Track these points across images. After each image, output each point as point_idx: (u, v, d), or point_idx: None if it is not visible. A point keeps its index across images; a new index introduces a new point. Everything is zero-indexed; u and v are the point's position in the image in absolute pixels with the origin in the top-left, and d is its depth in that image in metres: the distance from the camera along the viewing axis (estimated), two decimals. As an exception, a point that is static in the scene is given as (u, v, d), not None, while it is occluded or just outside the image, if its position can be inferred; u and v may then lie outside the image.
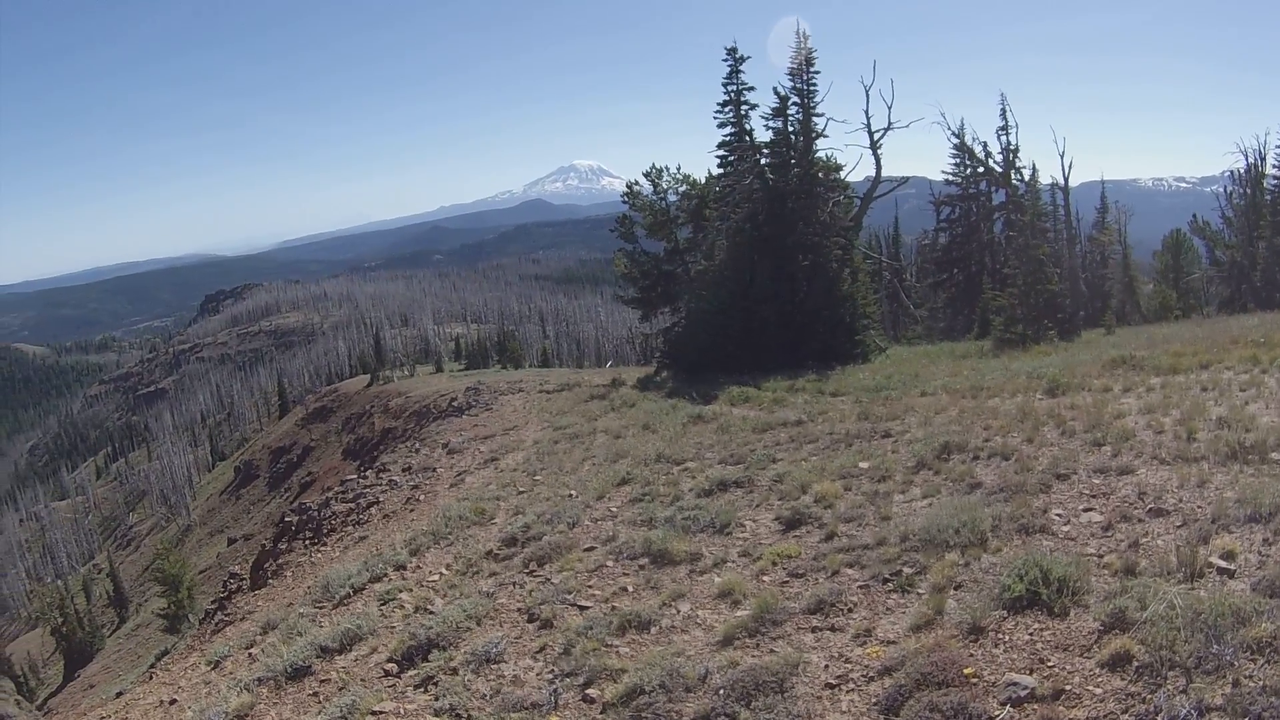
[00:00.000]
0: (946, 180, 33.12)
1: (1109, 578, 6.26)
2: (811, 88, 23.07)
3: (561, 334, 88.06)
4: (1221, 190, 35.22)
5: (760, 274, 21.67)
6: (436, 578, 9.57)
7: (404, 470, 17.09)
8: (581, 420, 17.28)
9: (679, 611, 7.12)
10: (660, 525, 9.12)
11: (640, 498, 10.61)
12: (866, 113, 27.74)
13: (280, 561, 14.67)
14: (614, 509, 10.51)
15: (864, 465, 10.12)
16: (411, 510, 14.06)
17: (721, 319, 21.85)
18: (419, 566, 10.22)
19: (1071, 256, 31.15)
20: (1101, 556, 6.67)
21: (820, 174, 23.24)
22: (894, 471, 9.73)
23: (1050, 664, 5.33)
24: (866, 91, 27.41)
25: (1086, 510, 7.73)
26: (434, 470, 16.26)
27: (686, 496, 10.25)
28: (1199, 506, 7.22)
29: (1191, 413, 10.33)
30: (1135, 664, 5.14)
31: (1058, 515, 7.71)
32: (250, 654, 8.89)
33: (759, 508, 9.46)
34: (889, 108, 28.86)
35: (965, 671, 5.31)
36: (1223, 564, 6.20)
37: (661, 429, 14.77)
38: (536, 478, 13.25)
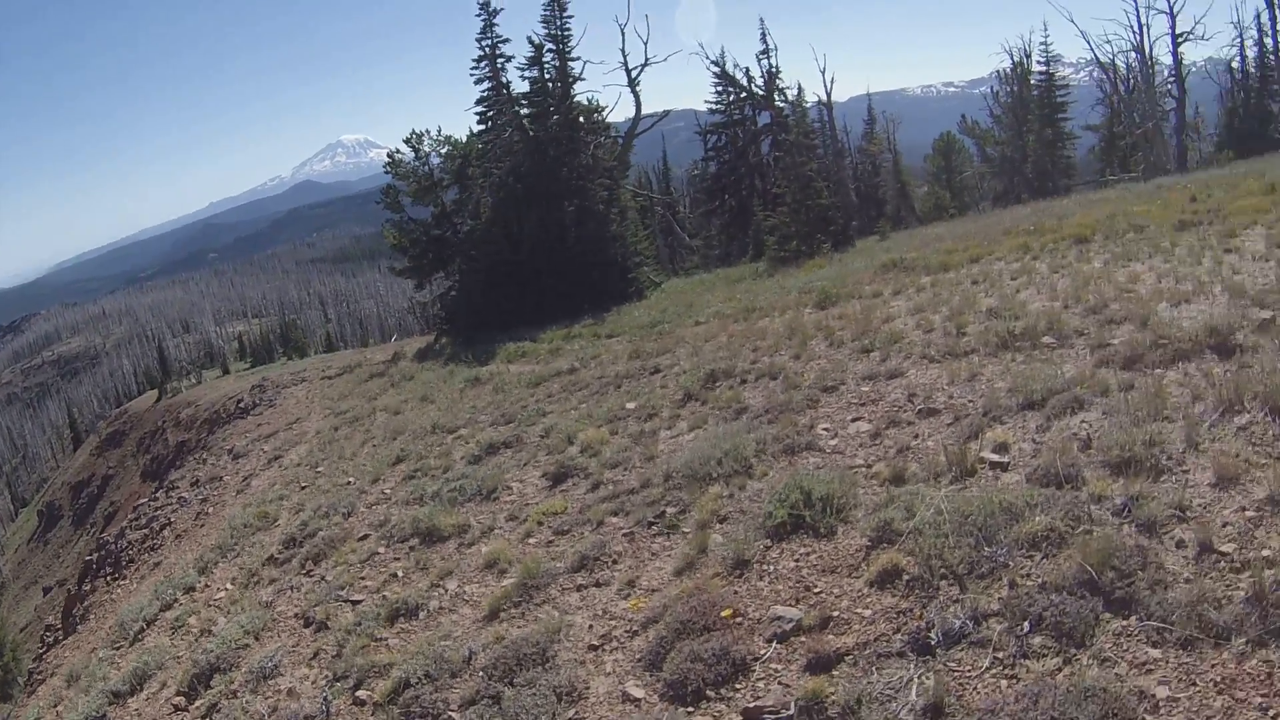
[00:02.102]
0: (711, 110, 45.67)
1: (877, 489, 8.17)
2: (565, 32, 32.46)
3: (344, 315, 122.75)
4: (989, 90, 49.38)
5: (528, 226, 30.44)
6: (222, 594, 12.40)
7: (192, 484, 22.24)
8: (362, 402, 23.36)
9: (447, 591, 9.26)
10: (429, 501, 11.99)
11: (413, 474, 13.89)
12: (623, 51, 38.04)
13: (86, 604, 19.09)
14: (388, 490, 13.78)
15: (631, 406, 13.37)
16: (201, 526, 18.32)
17: (493, 276, 30.77)
18: (207, 586, 13.25)
19: (840, 169, 41.98)
20: (870, 466, 8.74)
21: (581, 118, 32.79)
22: (661, 408, 12.85)
23: (817, 590, 6.88)
24: (622, 30, 37.42)
25: (855, 420, 10.19)
26: (221, 479, 21.65)
27: (457, 465, 13.49)
28: (970, 401, 9.64)
29: (962, 307, 13.63)
30: (906, 578, 6.60)
31: (825, 430, 10.07)
32: (57, 712, 11.48)
33: (527, 466, 12.31)
34: (645, 44, 42.42)
35: (724, 614, 6.95)
36: (995, 458, 8.08)
37: (439, 398, 20.01)
38: (318, 469, 17.63)
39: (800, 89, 44.27)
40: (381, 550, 11.00)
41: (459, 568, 9.64)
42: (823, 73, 46.28)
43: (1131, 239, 15.98)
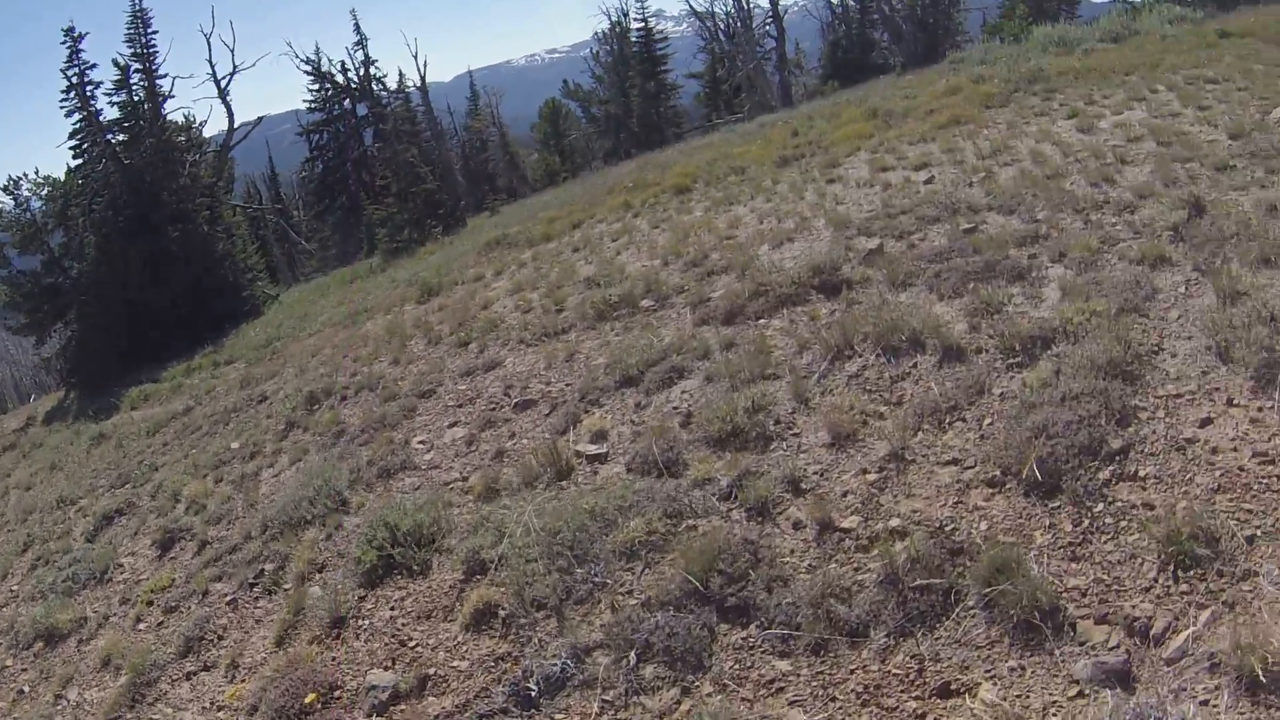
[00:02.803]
0: (310, 108, 47.97)
1: (471, 507, 8.02)
2: (151, 50, 33.21)
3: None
4: (589, 52, 52.92)
5: (134, 260, 30.17)
6: None
7: None
8: (-6, 481, 20.66)
9: (69, 701, 8.48)
10: (49, 593, 10.95)
11: (37, 562, 12.68)
12: (210, 61, 40.55)
13: None
14: (15, 586, 12.35)
15: (235, 445, 12.99)
16: None
17: (109, 319, 30.48)
18: None
19: (443, 151, 44.63)
20: (465, 480, 8.67)
21: (175, 137, 33.87)
22: (264, 443, 12.47)
23: (414, 644, 6.59)
24: (208, 39, 39.44)
25: (451, 426, 10.09)
26: None
27: (76, 544, 12.48)
28: (568, 385, 9.72)
29: (560, 280, 13.60)
30: (501, 615, 6.34)
31: (420, 443, 10.00)
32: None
33: (138, 535, 11.55)
34: (232, 51, 43.70)
35: (308, 699, 6.40)
36: (593, 449, 8.12)
37: (67, 463, 18.52)
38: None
39: (402, 75, 47.25)
40: (10, 662, 9.86)
41: (79, 671, 8.84)
42: (415, 56, 48.63)
43: (733, 182, 16.62)
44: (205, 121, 37.54)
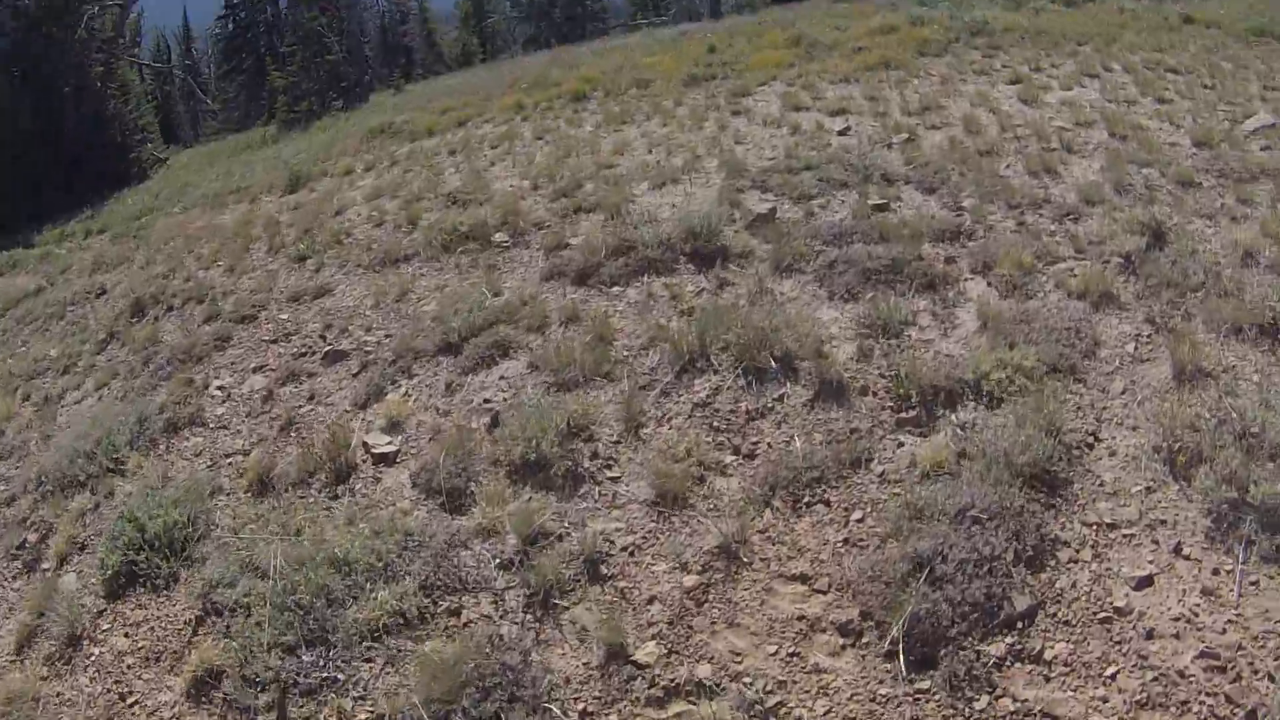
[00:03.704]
0: None
1: (239, 504, 6.70)
2: None
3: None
4: None
5: (22, 114, 27.49)
6: None
7: None
8: None
9: None
10: None
11: None
12: None
13: None
14: None
15: (54, 353, 11.05)
16: None
17: None
18: None
19: (354, 21, 40.44)
20: (246, 454, 7.29)
21: None
22: (80, 355, 10.60)
23: (132, 701, 5.35)
24: None
25: (256, 370, 8.66)
26: None
27: None
28: (387, 337, 8.30)
29: (423, 190, 11.92)
30: (223, 691, 5.07)
31: (218, 389, 8.55)
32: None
33: None
34: None
35: None
36: (383, 444, 6.69)
37: None
38: None
39: None
40: None
41: None
42: None
43: (632, 96, 14.80)
44: None
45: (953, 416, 5.27)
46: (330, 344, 8.45)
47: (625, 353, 6.71)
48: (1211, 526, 4.44)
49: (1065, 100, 11.11)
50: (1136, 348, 5.87)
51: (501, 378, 6.95)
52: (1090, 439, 5.09)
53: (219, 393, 8.41)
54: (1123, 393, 5.43)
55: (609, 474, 5.51)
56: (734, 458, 5.41)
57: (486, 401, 6.74)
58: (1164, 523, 4.52)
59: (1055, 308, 6.32)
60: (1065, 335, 5.84)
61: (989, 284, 6.77)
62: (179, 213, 17.19)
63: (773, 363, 5.99)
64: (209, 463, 7.27)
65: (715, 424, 5.70)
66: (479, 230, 9.66)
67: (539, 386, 6.60)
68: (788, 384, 5.87)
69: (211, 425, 7.89)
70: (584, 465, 5.58)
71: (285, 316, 9.43)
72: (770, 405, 5.75)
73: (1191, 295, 6.41)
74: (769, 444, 5.43)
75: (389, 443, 6.65)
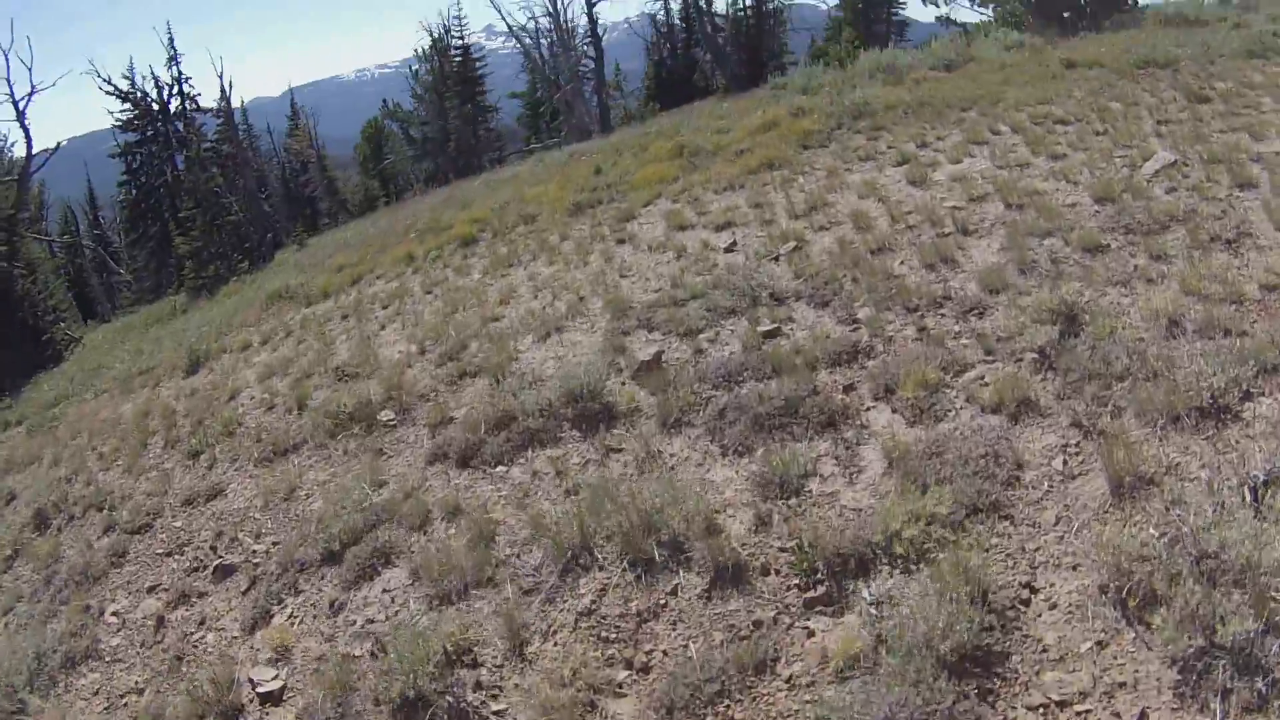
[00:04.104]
0: (118, 128, 43.04)
1: None
2: None
3: None
4: (408, 69, 49.63)
5: None
6: None
7: None
8: None
9: None
10: None
11: None
12: (8, 80, 37.04)
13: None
14: None
15: None
16: None
17: None
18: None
19: (248, 178, 40.80)
20: (140, 693, 6.94)
21: None
22: None
23: None
24: (5, 55, 35.53)
25: (151, 590, 8.30)
26: None
27: None
28: (275, 544, 7.87)
29: (313, 365, 11.50)
30: None
31: (113, 616, 8.08)
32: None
33: None
34: (29, 70, 38.05)
35: None
36: (268, 680, 6.20)
37: None
38: None
39: (226, 91, 41.45)
40: None
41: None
42: (220, 76, 42.19)
43: (520, 234, 14.37)
44: (14, 144, 34.42)
45: (865, 591, 4.56)
46: (220, 556, 8.11)
47: (509, 550, 6.05)
48: (1179, 680, 3.76)
49: (955, 175, 10.68)
50: (1065, 462, 5.26)
51: (384, 591, 6.40)
52: (1025, 592, 4.42)
53: (114, 619, 8.04)
54: (1056, 523, 4.78)
55: (494, 708, 4.81)
56: (627, 673, 4.70)
57: (370, 622, 6.19)
58: (1123, 685, 3.85)
59: (968, 429, 5.70)
60: (982, 464, 5.23)
61: (894, 410, 6.17)
62: (91, 399, 16.80)
63: (660, 552, 5.30)
64: (106, 704, 6.90)
65: (604, 634, 5.00)
66: (364, 411, 9.26)
67: (421, 601, 5.98)
68: (680, 572, 5.17)
69: (107, 659, 7.51)
70: (467, 699, 4.89)
71: (179, 524, 9.10)
72: (663, 601, 5.06)
73: (1117, 385, 5.81)
74: (664, 651, 4.73)
75: (275, 678, 6.19)
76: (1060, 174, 10.06)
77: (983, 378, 6.31)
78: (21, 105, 34.66)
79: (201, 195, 31.25)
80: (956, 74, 16.78)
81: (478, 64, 43.75)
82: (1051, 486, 5.10)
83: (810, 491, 5.52)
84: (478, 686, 4.93)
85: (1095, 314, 6.76)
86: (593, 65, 39.72)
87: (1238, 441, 5.05)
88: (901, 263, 8.55)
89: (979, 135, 12.06)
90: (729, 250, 10.09)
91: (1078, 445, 5.38)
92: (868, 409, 6.29)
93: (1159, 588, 4.14)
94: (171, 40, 40.79)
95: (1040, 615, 4.29)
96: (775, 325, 7.80)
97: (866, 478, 5.52)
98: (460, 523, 6.63)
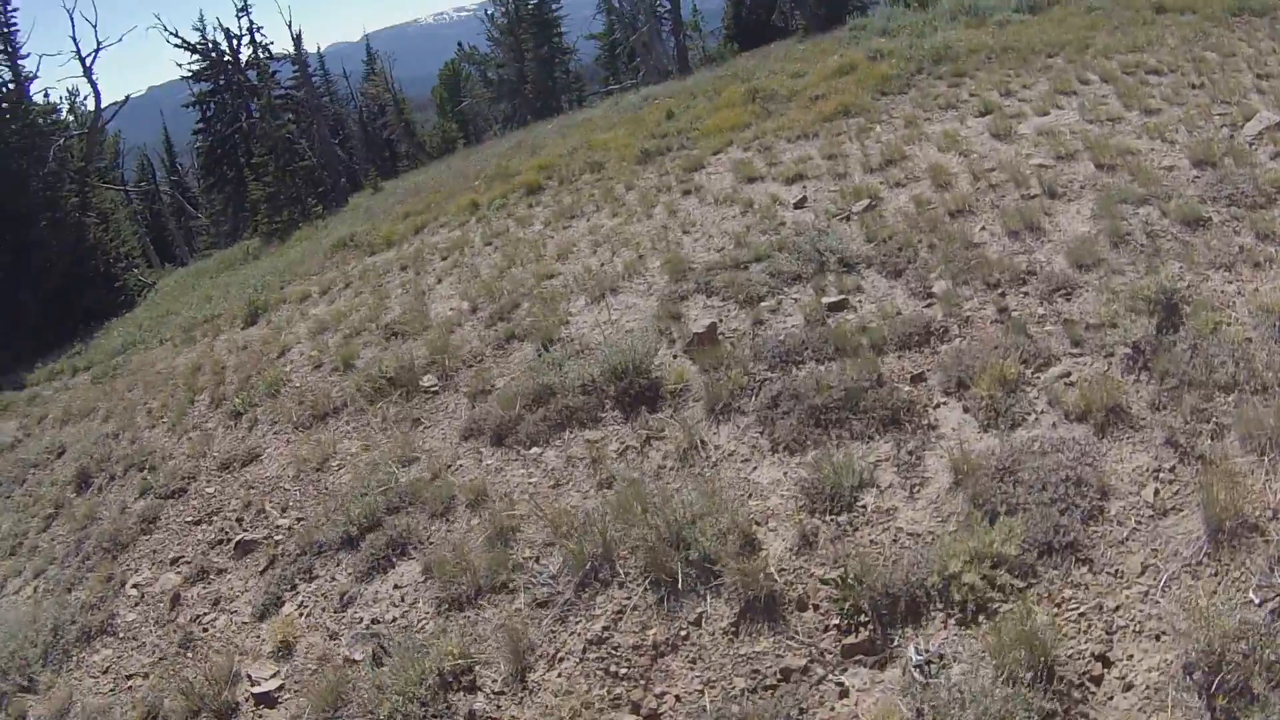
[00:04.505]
0: (192, 78, 43.59)
1: None
2: (12, 29, 29.76)
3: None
4: (484, 13, 49.25)
5: (1, 254, 27.91)
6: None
7: None
8: None
9: None
10: None
11: None
12: (74, 38, 35.93)
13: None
14: None
15: (5, 526, 10.63)
16: None
17: None
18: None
19: (320, 124, 41.75)
20: (146, 676, 6.79)
21: (40, 120, 30.32)
22: (28, 530, 10.14)
23: None
24: (70, 14, 35.49)
25: (173, 563, 8.15)
26: None
27: None
28: (299, 521, 7.58)
29: (365, 320, 11.35)
30: None
31: (133, 589, 8.02)
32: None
33: None
34: (94, 26, 38.59)
35: None
36: (267, 677, 6.00)
37: None
38: None
39: (299, 40, 41.69)
40: None
41: None
42: (289, 25, 46.21)
43: (587, 182, 13.71)
44: (86, 98, 35.47)
45: (912, 646, 3.86)
46: (245, 529, 7.87)
47: (528, 551, 5.52)
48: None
49: (1042, 129, 9.71)
50: (1157, 492, 4.44)
51: (395, 587, 6.00)
52: (1097, 666, 3.69)
53: (134, 592, 7.87)
54: (1142, 573, 4.01)
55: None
56: (633, 718, 4.11)
57: (375, 622, 5.82)
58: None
59: (1049, 441, 4.90)
60: (1062, 490, 4.43)
61: (965, 409, 5.41)
62: (156, 346, 16.99)
63: (687, 572, 4.67)
64: (112, 684, 6.74)
65: (614, 667, 4.41)
66: (406, 375, 8.91)
67: (430, 602, 5.58)
68: (708, 598, 4.52)
69: (121, 635, 7.36)
70: (462, 730, 4.36)
71: (211, 490, 8.89)
72: (683, 632, 4.44)
73: (1221, 397, 4.94)
74: (677, 696, 4.14)
75: (273, 675, 5.94)
76: (1155, 131, 9.04)
77: (1069, 375, 5.50)
78: (89, 61, 35.45)
79: (274, 142, 31.59)
80: (1041, 17, 15.59)
81: (554, 5, 43.06)
82: (1140, 523, 4.33)
83: (864, 506, 4.84)
84: (470, 717, 4.43)
85: (1197, 305, 5.86)
86: (669, 6, 38.47)
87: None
88: (982, 228, 7.71)
89: (1066, 84, 11.05)
90: (799, 206, 9.34)
91: (1172, 471, 4.57)
92: (937, 406, 5.55)
93: (1255, 684, 3.35)
94: (242, -10, 42.23)
95: (1112, 698, 3.59)
96: (842, 296, 7.08)
97: (929, 493, 4.81)
98: (483, 513, 6.15)
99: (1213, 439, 4.64)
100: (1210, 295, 6.00)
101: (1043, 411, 5.25)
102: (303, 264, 17.89)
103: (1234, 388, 4.99)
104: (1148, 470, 4.59)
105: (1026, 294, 6.56)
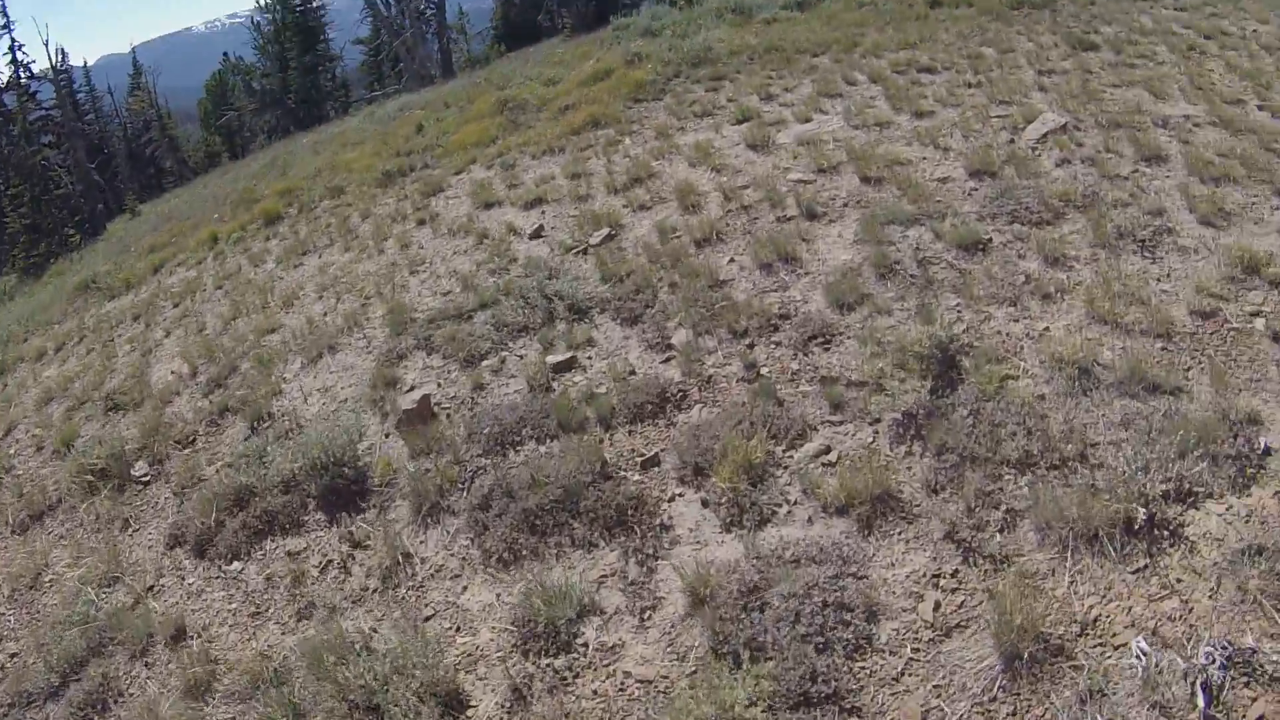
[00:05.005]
0: None
1: None
2: None
3: None
4: (250, 21, 47.04)
5: None
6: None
7: None
8: None
9: None
10: None
11: None
12: None
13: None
14: None
15: None
16: None
17: None
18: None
19: (77, 148, 38.71)
20: None
21: None
22: None
23: None
24: None
25: None
26: None
27: None
28: (13, 660, 6.45)
29: (89, 388, 10.30)
30: None
31: None
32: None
33: None
34: None
35: None
36: None
37: None
38: None
39: (64, 56, 39.08)
40: None
41: None
42: (45, 44, 42.74)
43: (325, 209, 12.82)
44: None
45: None
46: None
47: (224, 708, 4.70)
48: None
49: (803, 137, 9.18)
50: (938, 605, 3.82)
51: None
52: None
53: None
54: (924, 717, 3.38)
55: None
56: None
57: None
58: None
59: (804, 546, 4.19)
60: (820, 620, 3.73)
61: (704, 504, 4.67)
62: None
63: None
64: None
65: None
66: (117, 466, 7.95)
67: None
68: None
69: None
70: None
71: None
72: None
73: (1010, 475, 4.32)
74: None
75: None
76: (927, 136, 8.60)
77: (827, 451, 4.85)
78: None
79: (27, 170, 30.40)
80: (810, 14, 15.18)
81: (319, 11, 41.64)
82: (918, 650, 3.67)
83: (585, 645, 4.07)
84: None
85: (978, 356, 5.23)
86: (434, 9, 37.25)
87: (1179, 582, 3.64)
88: (731, 260, 7.08)
89: (832, 87, 10.60)
90: (535, 236, 8.78)
91: (955, 576, 3.95)
92: (671, 499, 4.82)
93: None
94: (4, 8, 37.35)
95: None
96: (570, 354, 6.41)
97: (663, 618, 4.08)
98: (182, 655, 5.29)
99: (1002, 531, 4.05)
100: (993, 341, 5.41)
101: (796, 502, 4.56)
102: (49, 309, 16.41)
103: (1026, 464, 4.38)
104: (925, 576, 3.96)
105: (778, 343, 5.89)
